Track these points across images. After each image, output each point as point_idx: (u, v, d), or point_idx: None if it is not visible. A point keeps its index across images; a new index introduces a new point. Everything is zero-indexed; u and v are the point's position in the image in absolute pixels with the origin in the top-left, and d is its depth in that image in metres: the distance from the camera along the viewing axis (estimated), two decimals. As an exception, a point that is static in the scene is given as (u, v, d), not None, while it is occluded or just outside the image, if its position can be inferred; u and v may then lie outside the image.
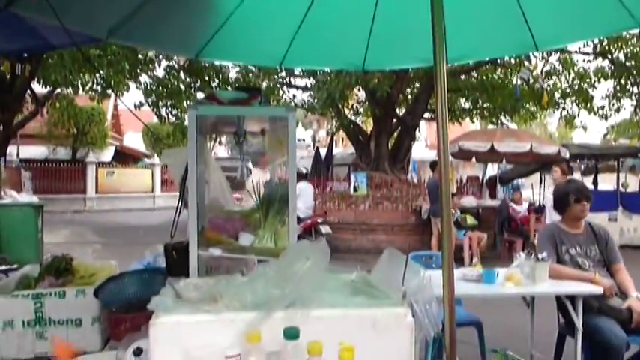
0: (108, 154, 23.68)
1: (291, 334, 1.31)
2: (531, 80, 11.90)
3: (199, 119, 2.17)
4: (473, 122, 16.52)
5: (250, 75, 13.00)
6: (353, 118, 15.46)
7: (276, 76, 13.61)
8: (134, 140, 28.13)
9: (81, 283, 2.68)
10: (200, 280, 1.83)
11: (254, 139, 2.50)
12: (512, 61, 11.91)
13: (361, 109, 15.99)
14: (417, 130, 15.89)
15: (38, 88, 12.96)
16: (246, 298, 1.48)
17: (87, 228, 13.76)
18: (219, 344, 1.34)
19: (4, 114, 12.30)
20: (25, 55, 8.62)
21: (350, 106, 15.52)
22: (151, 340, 1.41)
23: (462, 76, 13.57)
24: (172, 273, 2.54)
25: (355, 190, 10.40)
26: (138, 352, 1.78)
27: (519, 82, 10.73)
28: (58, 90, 13.41)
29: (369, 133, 13.67)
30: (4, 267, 4.51)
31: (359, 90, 13.84)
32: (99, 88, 12.58)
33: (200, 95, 12.86)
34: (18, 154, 19.60)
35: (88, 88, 12.47)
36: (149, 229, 11.65)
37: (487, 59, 10.25)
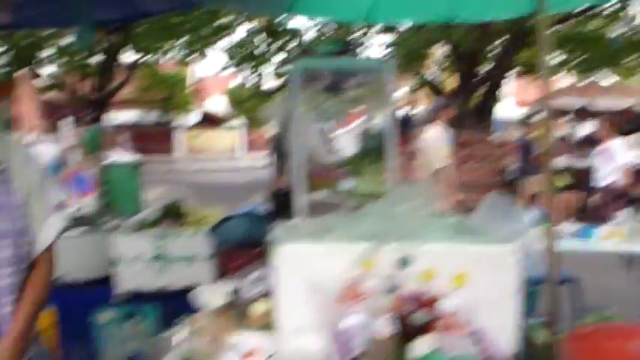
0: (193, 117, 24.79)
1: (404, 262, 1.42)
2: (632, 31, 11.01)
3: (300, 72, 2.30)
4: (567, 77, 15.59)
5: (323, 38, 12.97)
6: (434, 75, 15.08)
7: (349, 37, 13.50)
8: (218, 103, 29.18)
9: (194, 225, 2.97)
10: (308, 221, 2.00)
11: (350, 91, 2.60)
12: (609, 10, 11.04)
13: (443, 66, 15.54)
14: (503, 87, 15.26)
15: (128, 56, 13.78)
16: (359, 231, 1.61)
17: (177, 186, 14.61)
18: (335, 270, 1.49)
19: (99, 81, 13.24)
20: (119, 24, 9.20)
21: (431, 63, 15.13)
22: (275, 266, 1.58)
23: (556, 27, 12.77)
24: (279, 217, 2.76)
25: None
26: (256, 280, 1.98)
27: (619, 32, 9.96)
28: (146, 57, 14.16)
29: (451, 90, 13.31)
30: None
31: (442, 46, 13.44)
32: (183, 54, 13.15)
33: (280, 57, 13.12)
34: (112, 119, 21.01)
35: (173, 54, 13.10)
36: (234, 188, 12.22)
37: (584, 7, 9.57)
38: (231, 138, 24.48)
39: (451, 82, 14.25)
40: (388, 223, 1.65)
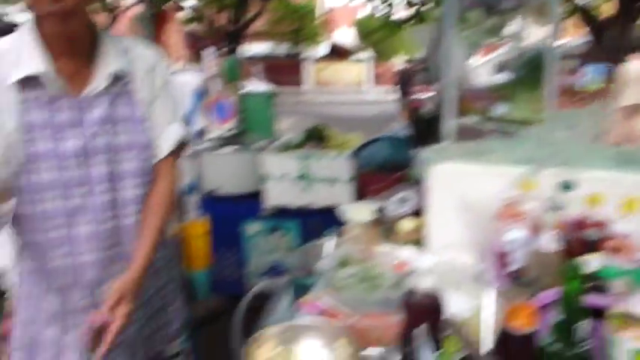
0: (323, 49, 24.96)
1: (567, 186, 1.38)
2: None
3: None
4: None
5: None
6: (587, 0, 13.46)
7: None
8: (346, 35, 28.96)
9: (335, 148, 3.08)
10: (458, 144, 1.98)
11: (507, 12, 2.45)
12: None
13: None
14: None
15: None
16: (516, 155, 1.57)
17: (307, 117, 15.05)
18: (491, 191, 1.48)
19: (235, 14, 13.72)
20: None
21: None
22: (428, 186, 1.61)
23: None
24: (420, 142, 2.77)
25: (587, 84, 9.35)
26: (403, 200, 2.05)
27: None
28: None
29: (606, 19, 11.84)
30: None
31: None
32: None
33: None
34: (247, 51, 21.89)
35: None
36: (361, 120, 12.28)
37: None
38: (358, 71, 24.37)
39: (608, 8, 12.66)
40: (548, 148, 1.59)
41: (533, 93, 2.21)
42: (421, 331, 0.83)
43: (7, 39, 1.25)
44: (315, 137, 3.20)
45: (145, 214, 1.36)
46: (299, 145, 3.20)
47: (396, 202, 2.07)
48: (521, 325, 0.77)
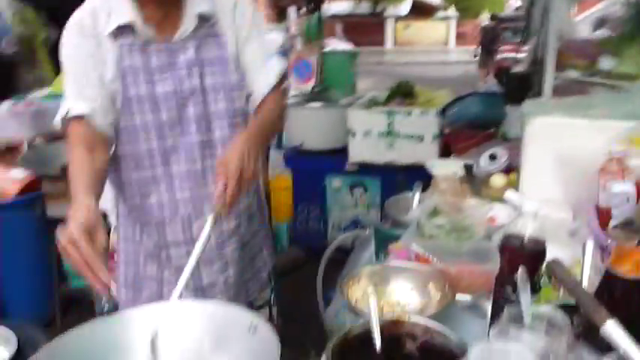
0: (404, 8, 24.16)
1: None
2: None
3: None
4: None
5: None
6: None
7: None
8: (430, -8, 27.81)
9: (422, 105, 3.04)
10: (558, 100, 1.89)
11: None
12: None
13: None
14: None
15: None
16: (623, 109, 1.48)
17: (387, 77, 14.80)
18: (591, 146, 1.41)
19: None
20: None
21: None
22: (525, 139, 1.57)
23: None
24: (511, 100, 2.67)
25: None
26: (493, 157, 2.00)
27: None
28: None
29: None
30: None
31: None
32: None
33: None
34: (327, 10, 21.63)
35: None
36: (445, 80, 11.90)
37: None
38: (441, 30, 23.42)
39: None
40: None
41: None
42: (522, 273, 0.84)
43: None
44: (402, 94, 3.17)
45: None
46: (385, 102, 3.18)
47: (486, 159, 2.03)
48: (628, 270, 0.75)
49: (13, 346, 2.20)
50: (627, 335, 0.66)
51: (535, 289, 0.89)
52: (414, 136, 2.97)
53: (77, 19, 1.28)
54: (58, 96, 3.20)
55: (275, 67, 1.40)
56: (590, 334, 0.75)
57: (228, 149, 1.22)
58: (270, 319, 1.72)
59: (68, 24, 1.29)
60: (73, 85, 1.28)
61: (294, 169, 3.58)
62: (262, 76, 1.38)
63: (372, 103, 3.17)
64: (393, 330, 0.96)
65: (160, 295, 1.45)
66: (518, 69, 2.85)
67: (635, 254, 0.76)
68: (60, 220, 2.77)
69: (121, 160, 1.34)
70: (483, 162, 2.03)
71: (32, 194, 2.60)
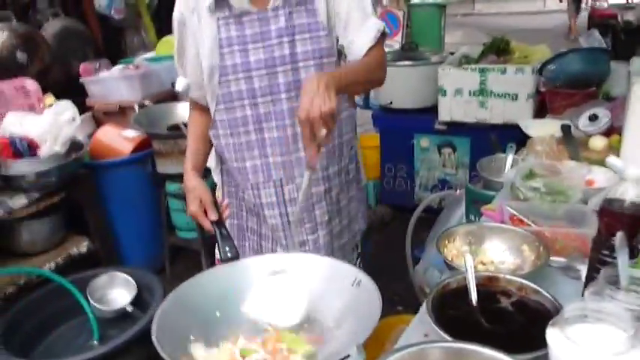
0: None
1: None
2: None
3: None
4: None
5: None
6: None
7: None
8: None
9: (518, 62, 2.93)
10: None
11: None
12: None
13: None
14: None
15: None
16: None
17: (476, 29, 14.09)
18: None
19: None
20: None
21: None
22: (631, 99, 1.51)
23: None
24: (617, 56, 2.51)
25: None
26: (594, 117, 1.93)
27: None
28: None
29: None
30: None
31: None
32: None
33: None
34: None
35: None
36: (539, 32, 11.16)
37: None
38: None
39: None
40: None
41: None
42: (621, 237, 0.86)
43: None
44: (497, 50, 3.07)
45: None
46: (478, 59, 3.10)
47: (585, 119, 1.96)
48: None
49: (133, 290, 2.50)
50: None
51: (633, 253, 0.91)
52: (507, 94, 2.89)
53: None
54: (161, 59, 3.44)
55: (374, 26, 1.41)
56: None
57: (301, 90, 1.21)
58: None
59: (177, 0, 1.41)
60: (178, 61, 1.49)
61: (382, 128, 3.61)
62: (361, 36, 1.39)
63: (465, 61, 3.09)
64: (489, 286, 1.02)
65: (260, 247, 1.60)
66: (628, 18, 2.64)
67: None
68: (168, 176, 3.03)
69: (219, 126, 1.46)
70: (582, 123, 1.96)
71: (144, 152, 2.86)
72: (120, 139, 2.86)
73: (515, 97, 2.87)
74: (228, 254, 1.26)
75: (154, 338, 0.91)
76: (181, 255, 3.19)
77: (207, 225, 1.37)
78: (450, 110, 3.11)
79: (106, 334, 2.42)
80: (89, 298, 2.45)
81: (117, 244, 2.91)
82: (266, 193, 1.49)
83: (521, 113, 2.88)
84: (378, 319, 0.96)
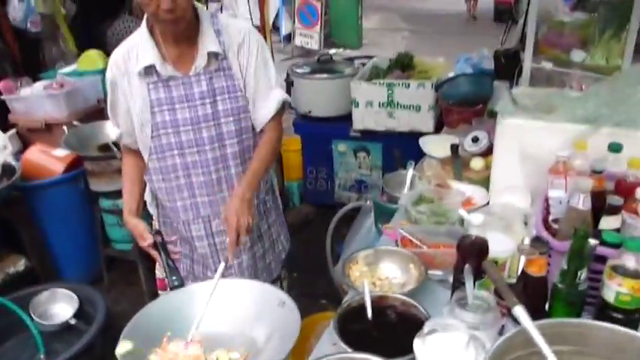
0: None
1: (615, 148, 1.59)
2: None
3: None
4: None
5: None
6: None
7: None
8: None
9: (419, 77, 3.31)
10: (532, 90, 2.18)
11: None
12: None
13: None
14: None
15: None
16: (578, 112, 1.78)
17: (397, 15, 14.57)
18: (550, 147, 1.71)
19: None
20: None
21: None
22: (496, 136, 1.88)
23: None
24: (499, 77, 2.94)
25: None
26: (475, 139, 2.31)
27: None
28: None
29: None
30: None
31: None
32: None
33: None
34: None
35: None
36: (449, 16, 11.75)
37: None
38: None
39: None
40: (611, 107, 1.77)
41: (615, 37, 2.28)
42: (468, 267, 1.20)
43: (133, 36, 1.60)
44: (402, 65, 3.42)
45: (254, 154, 1.70)
46: (386, 72, 3.44)
47: (469, 141, 2.34)
48: (535, 270, 1.12)
49: (75, 304, 2.65)
50: (529, 316, 1.02)
51: (481, 276, 1.26)
52: (412, 106, 3.26)
53: (115, 58, 1.61)
54: (84, 73, 3.50)
55: (276, 97, 1.69)
56: (510, 313, 1.12)
57: (227, 208, 1.55)
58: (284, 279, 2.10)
59: (110, 62, 1.62)
60: (111, 113, 1.69)
61: (303, 134, 3.90)
62: (265, 106, 1.67)
63: (374, 75, 3.43)
64: (380, 303, 1.34)
65: (192, 269, 1.85)
66: (506, 46, 3.08)
67: (540, 260, 1.12)
68: (102, 193, 3.16)
69: (152, 172, 1.70)
70: (467, 143, 2.33)
71: (76, 172, 2.97)
72: (51, 160, 2.95)
73: (418, 109, 3.25)
74: (175, 283, 1.51)
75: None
76: (116, 264, 3.34)
77: (157, 257, 1.65)
78: (362, 119, 3.45)
79: (52, 348, 2.56)
80: (32, 314, 2.58)
81: (53, 260, 3.02)
82: (195, 227, 1.74)
83: (424, 122, 3.28)
84: (296, 334, 1.25)
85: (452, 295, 1.36)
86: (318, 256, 3.01)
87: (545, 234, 1.38)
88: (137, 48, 1.57)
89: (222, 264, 1.46)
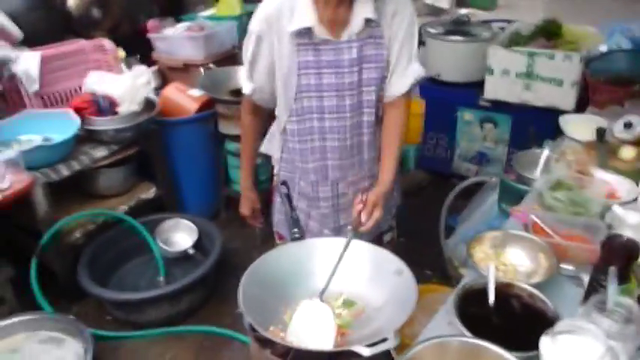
0: None
1: None
2: None
3: None
4: None
5: None
6: None
7: None
8: None
9: (567, 48, 3.00)
10: None
11: None
12: None
13: None
14: None
15: None
16: None
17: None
18: None
19: None
20: None
21: None
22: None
23: None
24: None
25: None
26: (629, 124, 2.07)
27: None
28: None
29: None
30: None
31: None
32: None
33: None
34: None
35: None
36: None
37: None
38: None
39: None
40: None
41: None
42: (613, 269, 1.08)
43: None
44: (548, 32, 3.13)
45: (386, 139, 1.70)
46: (529, 39, 3.16)
47: (620, 126, 2.10)
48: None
49: (195, 235, 2.86)
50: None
51: (624, 280, 1.14)
52: (553, 79, 2.99)
53: (267, 13, 1.54)
54: (222, 19, 3.62)
55: (414, 72, 1.65)
56: (657, 326, 1.01)
57: (371, 195, 1.55)
58: (391, 241, 2.09)
59: (257, 14, 1.58)
60: (249, 68, 1.66)
61: (427, 98, 3.75)
62: (402, 79, 1.64)
63: (514, 42, 3.17)
64: (504, 290, 1.27)
65: (306, 226, 1.85)
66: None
67: None
68: (228, 136, 3.34)
69: (289, 133, 1.71)
70: (617, 129, 2.10)
71: (208, 112, 3.12)
72: (186, 98, 3.12)
73: (560, 83, 2.97)
74: (297, 235, 1.55)
75: (245, 314, 1.20)
76: (234, 204, 3.51)
77: (256, 224, 1.97)
78: (495, 89, 3.23)
79: (170, 272, 2.81)
80: (156, 239, 2.83)
81: (179, 192, 3.25)
82: (323, 189, 1.77)
83: (564, 99, 3.00)
84: (414, 307, 1.23)
85: (585, 295, 1.26)
86: (428, 224, 2.95)
87: None
88: (293, 6, 1.52)
89: (351, 233, 1.46)
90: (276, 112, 1.75)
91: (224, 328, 2.62)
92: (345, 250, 1.40)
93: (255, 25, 1.60)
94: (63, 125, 2.57)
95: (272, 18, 1.55)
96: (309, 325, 1.26)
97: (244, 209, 1.94)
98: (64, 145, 2.53)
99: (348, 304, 1.37)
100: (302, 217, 1.88)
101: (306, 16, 1.51)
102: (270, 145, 1.89)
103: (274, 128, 1.84)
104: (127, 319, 2.63)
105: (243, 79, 1.72)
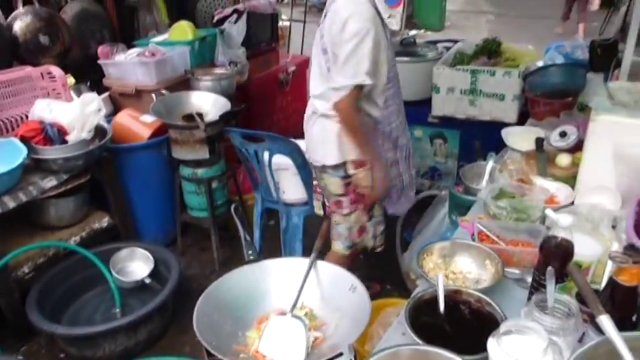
0: None
1: None
2: None
3: None
4: None
5: None
6: None
7: None
8: None
9: (507, 65, 3.17)
10: (631, 85, 2.01)
11: None
12: None
13: None
14: None
15: None
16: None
17: (480, -5, 14.00)
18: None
19: None
20: None
21: None
22: (588, 133, 1.77)
23: None
24: (594, 68, 2.75)
25: None
26: (563, 134, 2.19)
27: None
28: None
29: None
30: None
31: None
32: None
33: None
34: None
35: None
36: (538, 6, 11.18)
37: None
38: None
39: None
40: None
41: None
42: (551, 270, 1.15)
43: (356, 6, 1.96)
44: (489, 51, 3.29)
45: None
46: (472, 58, 3.31)
47: (556, 136, 2.22)
48: (626, 279, 1.05)
49: (151, 264, 2.80)
50: (615, 326, 0.97)
51: (562, 279, 1.20)
52: (495, 95, 3.14)
53: (368, 16, 1.97)
54: (174, 44, 3.62)
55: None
56: (593, 320, 1.07)
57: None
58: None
59: (365, 17, 1.96)
60: (371, 65, 1.99)
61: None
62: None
63: (458, 60, 3.32)
64: (454, 297, 1.32)
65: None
66: (605, 36, 2.87)
67: (631, 269, 1.05)
68: (181, 161, 3.28)
69: (380, 115, 2.24)
70: (553, 138, 2.22)
71: (161, 138, 3.10)
72: (139, 125, 3.09)
73: (502, 98, 3.12)
74: (251, 257, 1.57)
75: (200, 339, 1.20)
76: (191, 230, 3.49)
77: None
78: (442, 106, 3.36)
79: (126, 303, 2.75)
80: (111, 269, 2.77)
81: (134, 220, 3.19)
82: (387, 145, 2.33)
83: (507, 112, 3.15)
84: (367, 322, 1.27)
85: (529, 296, 1.32)
86: (387, 240, 3.01)
87: (638, 241, 1.30)
88: (375, 14, 2.01)
89: (314, 254, 1.51)
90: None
91: (185, 357, 2.57)
92: (309, 269, 1.45)
93: (366, 25, 1.96)
94: (8, 155, 2.50)
95: (376, 20, 2.01)
96: (280, 340, 1.28)
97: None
98: (9, 176, 2.46)
99: (311, 317, 1.40)
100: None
101: (390, 20, 2.17)
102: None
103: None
104: (82, 355, 2.55)
105: (365, 73, 2.00)
